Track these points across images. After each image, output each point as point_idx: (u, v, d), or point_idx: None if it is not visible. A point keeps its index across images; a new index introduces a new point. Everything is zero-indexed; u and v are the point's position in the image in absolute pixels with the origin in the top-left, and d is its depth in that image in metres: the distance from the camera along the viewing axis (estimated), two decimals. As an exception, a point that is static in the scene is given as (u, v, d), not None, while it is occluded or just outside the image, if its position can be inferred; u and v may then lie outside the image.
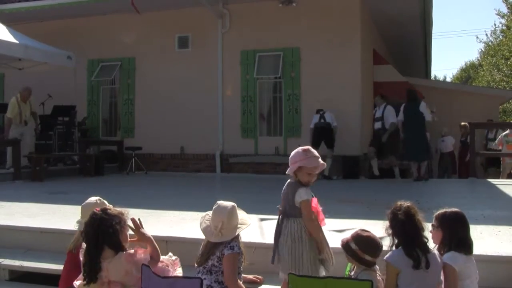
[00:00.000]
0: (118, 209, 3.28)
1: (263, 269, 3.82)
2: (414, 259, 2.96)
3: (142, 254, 3.23)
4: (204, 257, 3.36)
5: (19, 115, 10.74)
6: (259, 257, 3.86)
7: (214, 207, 3.42)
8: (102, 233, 3.10)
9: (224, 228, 3.32)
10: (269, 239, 4.30)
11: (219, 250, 3.29)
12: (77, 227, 3.67)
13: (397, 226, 3.07)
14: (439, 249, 3.19)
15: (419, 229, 3.06)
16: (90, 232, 3.11)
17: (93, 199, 3.68)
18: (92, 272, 3.06)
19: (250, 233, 4.21)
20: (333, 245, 4.01)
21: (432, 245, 3.20)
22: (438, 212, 3.26)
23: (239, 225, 3.41)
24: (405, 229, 3.04)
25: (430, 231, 3.25)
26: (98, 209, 3.21)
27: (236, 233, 3.38)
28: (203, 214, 3.55)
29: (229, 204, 3.42)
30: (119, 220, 3.20)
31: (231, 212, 3.38)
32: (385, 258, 3.07)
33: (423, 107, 10.46)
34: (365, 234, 3.20)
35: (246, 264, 3.48)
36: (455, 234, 3.15)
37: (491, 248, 3.78)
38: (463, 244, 3.13)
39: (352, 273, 3.19)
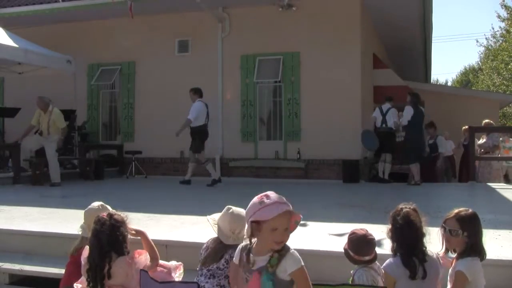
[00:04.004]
0: (120, 213, 3.29)
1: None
2: (410, 269, 2.90)
3: (142, 256, 3.24)
4: (211, 258, 3.36)
5: (39, 125, 10.52)
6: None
7: (228, 212, 3.43)
8: (113, 241, 3.10)
9: (242, 233, 3.35)
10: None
11: (228, 253, 3.31)
12: (80, 232, 3.68)
13: (396, 232, 3.02)
14: (457, 256, 3.07)
15: (418, 237, 2.97)
16: (101, 238, 3.09)
17: (95, 204, 3.68)
18: (98, 277, 3.05)
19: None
20: (333, 249, 4.03)
21: (433, 249, 3.15)
22: (459, 214, 3.08)
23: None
24: (404, 236, 2.97)
25: (442, 235, 3.12)
26: (104, 214, 3.20)
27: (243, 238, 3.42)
28: (207, 217, 3.56)
29: (241, 209, 3.46)
30: (125, 225, 3.22)
31: (242, 217, 3.42)
32: (382, 267, 3.05)
33: (424, 111, 10.59)
34: (355, 237, 3.21)
35: None
36: (479, 237, 3.04)
37: (491, 252, 3.76)
38: (481, 247, 3.05)
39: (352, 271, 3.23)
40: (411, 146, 10.47)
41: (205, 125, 10.39)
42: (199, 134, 10.31)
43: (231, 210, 3.45)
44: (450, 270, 3.09)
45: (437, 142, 12.70)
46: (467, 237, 3.02)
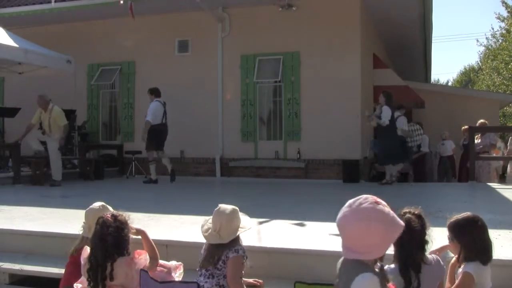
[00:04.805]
0: (122, 213, 3.29)
1: (263, 273, 3.82)
2: (406, 280, 2.84)
3: (142, 257, 3.24)
4: (206, 260, 3.37)
5: (41, 124, 10.53)
6: (259, 260, 3.86)
7: (215, 210, 3.45)
8: (118, 243, 3.11)
9: (223, 230, 3.35)
10: (268, 243, 4.31)
11: (224, 253, 3.31)
12: (81, 232, 3.68)
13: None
14: (459, 260, 3.03)
15: (417, 246, 2.89)
16: (106, 240, 3.08)
17: (96, 204, 3.68)
18: (100, 278, 3.05)
19: (249, 237, 4.21)
20: (334, 249, 4.03)
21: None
22: (449, 221, 3.06)
23: (240, 228, 3.44)
24: (402, 243, 2.82)
25: (449, 243, 3.12)
26: (108, 216, 3.19)
27: (235, 236, 3.38)
28: (206, 217, 3.57)
29: (229, 207, 3.45)
30: (128, 227, 3.22)
31: (230, 215, 3.40)
32: None
33: None
34: None
35: (249, 266, 3.48)
36: (475, 242, 2.96)
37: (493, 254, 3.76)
38: (485, 252, 2.98)
39: None
40: (393, 146, 10.47)
41: (161, 124, 10.83)
42: (154, 133, 10.71)
43: (217, 208, 3.46)
44: (459, 271, 3.06)
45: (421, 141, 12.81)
46: (459, 242, 3.01)
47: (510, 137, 12.13)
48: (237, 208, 3.48)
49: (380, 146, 10.62)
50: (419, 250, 2.90)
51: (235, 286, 3.25)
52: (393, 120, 10.38)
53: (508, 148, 11.91)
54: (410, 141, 11.77)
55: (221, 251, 3.33)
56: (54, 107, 10.34)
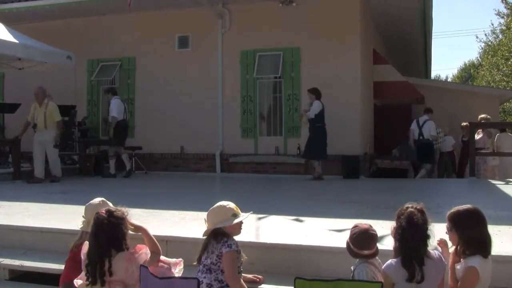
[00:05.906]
0: (120, 208, 3.29)
1: (262, 269, 3.83)
2: (410, 272, 2.88)
3: (142, 252, 3.25)
4: (200, 254, 3.42)
5: (34, 120, 10.42)
6: (258, 256, 3.87)
7: None
8: (112, 239, 3.11)
9: (208, 223, 3.46)
10: (268, 238, 4.31)
11: (217, 248, 3.33)
12: (80, 227, 3.69)
13: (398, 231, 2.99)
14: (457, 253, 3.06)
15: (420, 239, 2.94)
16: (100, 237, 3.10)
17: (96, 200, 3.70)
18: (98, 274, 3.06)
19: (249, 233, 4.22)
20: (333, 245, 4.03)
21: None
22: (450, 212, 3.11)
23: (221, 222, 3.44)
24: (405, 237, 2.94)
25: (446, 233, 3.15)
26: (103, 211, 3.20)
27: (213, 227, 3.41)
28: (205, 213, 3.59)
29: (218, 203, 3.53)
30: (125, 222, 3.22)
31: (212, 210, 3.50)
32: (383, 267, 3.04)
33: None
34: (356, 230, 3.20)
35: (246, 259, 3.49)
36: (473, 235, 3.00)
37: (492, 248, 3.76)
38: (484, 245, 3.01)
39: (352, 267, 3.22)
40: (322, 141, 10.47)
41: (124, 120, 11.32)
42: (121, 128, 11.23)
43: None
44: (458, 267, 3.07)
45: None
46: (457, 233, 3.04)
47: (497, 134, 12.10)
48: (222, 204, 3.51)
49: (307, 140, 10.61)
50: (421, 244, 2.94)
51: (233, 282, 3.27)
52: (321, 116, 10.36)
53: (496, 144, 11.90)
54: (436, 143, 12.25)
55: (213, 245, 3.37)
56: (49, 102, 10.32)
